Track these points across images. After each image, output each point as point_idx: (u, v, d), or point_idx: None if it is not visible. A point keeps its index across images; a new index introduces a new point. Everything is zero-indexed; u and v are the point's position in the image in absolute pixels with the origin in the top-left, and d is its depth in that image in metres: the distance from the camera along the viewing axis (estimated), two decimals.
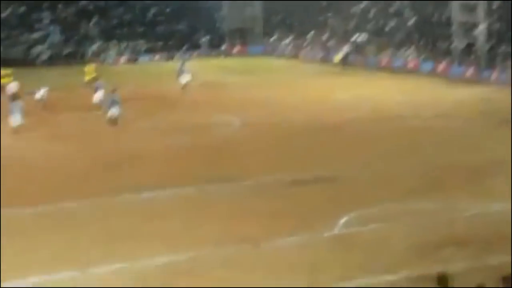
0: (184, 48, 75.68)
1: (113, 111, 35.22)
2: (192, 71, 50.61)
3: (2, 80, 50.14)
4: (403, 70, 57.02)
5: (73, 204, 23.53)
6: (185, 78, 49.33)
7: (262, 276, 17.25)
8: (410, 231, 20.04)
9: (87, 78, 50.46)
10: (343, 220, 20.95)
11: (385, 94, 45.37)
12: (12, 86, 42.57)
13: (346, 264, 17.81)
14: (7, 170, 27.73)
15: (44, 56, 74.54)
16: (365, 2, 72.22)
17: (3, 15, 78.09)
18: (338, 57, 62.22)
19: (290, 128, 35.47)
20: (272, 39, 77.95)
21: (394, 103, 41.76)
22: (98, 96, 40.27)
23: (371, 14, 69.65)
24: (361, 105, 41.41)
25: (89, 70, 52.51)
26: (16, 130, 35.00)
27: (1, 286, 16.59)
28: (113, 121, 35.13)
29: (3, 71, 51.55)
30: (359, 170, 26.88)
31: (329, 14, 75.02)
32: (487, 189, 23.44)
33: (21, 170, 28.65)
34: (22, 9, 79.66)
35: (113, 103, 35.24)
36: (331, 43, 69.50)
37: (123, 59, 74.19)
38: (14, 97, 38.08)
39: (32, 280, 17.42)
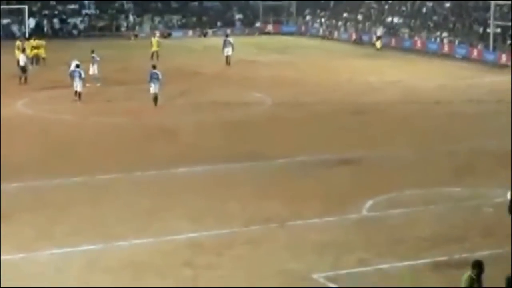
0: (218, 25, 75.66)
1: (154, 88, 35.26)
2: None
3: (36, 51, 50.63)
4: (437, 54, 56.67)
5: (105, 176, 23.76)
6: (227, 51, 51.10)
7: (287, 256, 17.31)
8: (437, 217, 19.96)
9: (153, 49, 52.49)
10: (369, 203, 20.93)
11: (418, 78, 45.13)
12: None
13: (370, 247, 17.77)
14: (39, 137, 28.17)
15: (79, 28, 74.92)
16: None
17: None
18: (378, 43, 61.37)
19: (320, 109, 35.43)
20: (306, 19, 77.67)
21: (427, 87, 41.54)
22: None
23: None
24: (393, 87, 41.28)
25: (154, 42, 53.70)
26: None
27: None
28: (154, 98, 35.27)
29: (38, 42, 51.90)
30: (388, 153, 26.80)
31: None
32: None
33: (58, 140, 29.13)
34: None
35: (153, 79, 35.21)
36: (365, 24, 69.12)
37: (156, 33, 74.19)
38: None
39: (55, 251, 17.64)
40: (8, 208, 20.19)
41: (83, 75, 37.50)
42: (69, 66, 40.36)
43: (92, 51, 43.05)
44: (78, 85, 37.03)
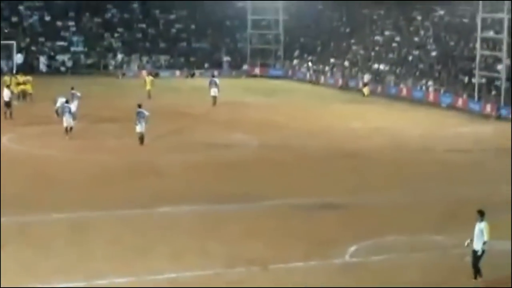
0: (205, 66, 76.06)
1: (140, 127, 35.30)
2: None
3: (23, 87, 50.72)
4: (423, 102, 57.02)
5: (89, 213, 23.72)
6: (214, 91, 51.86)
7: None
8: (420, 264, 19.97)
9: (147, 88, 54.28)
10: (353, 248, 20.92)
11: (403, 125, 45.38)
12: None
13: None
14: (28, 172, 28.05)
15: (67, 65, 75.09)
16: (389, 31, 72.40)
17: (30, 21, 78.80)
18: (366, 89, 61.91)
19: (306, 152, 35.56)
20: (293, 63, 78.11)
21: (412, 134, 41.75)
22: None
23: (394, 44, 69.69)
24: (378, 134, 41.47)
25: (148, 81, 55.48)
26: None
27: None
28: (140, 137, 35.32)
29: (24, 78, 52.07)
30: (373, 199, 26.84)
31: (352, 41, 75.11)
32: (495, 225, 23.28)
33: (44, 176, 29.07)
34: (48, 17, 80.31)
35: (140, 118, 35.26)
36: (352, 70, 69.56)
37: (144, 72, 74.49)
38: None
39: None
40: None
41: (72, 110, 37.54)
42: (55, 102, 40.50)
43: (72, 88, 43.22)
44: (68, 121, 37.00)
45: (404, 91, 60.91)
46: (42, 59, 74.62)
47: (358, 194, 27.37)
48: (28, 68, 68.89)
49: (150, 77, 57.10)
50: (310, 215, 24.41)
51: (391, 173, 31.64)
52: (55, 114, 40.81)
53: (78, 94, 42.69)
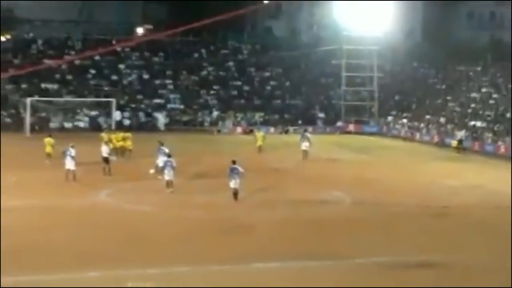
0: (299, 122, 76.53)
1: (234, 183, 35.73)
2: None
3: (123, 143, 51.98)
4: None
5: (180, 268, 23.99)
6: (305, 145, 52.83)
7: None
8: None
9: (258, 143, 56.35)
10: None
11: (498, 183, 44.49)
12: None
13: None
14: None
15: (164, 122, 76.74)
16: (486, 88, 71.56)
17: (129, 79, 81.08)
18: (454, 142, 61.50)
19: (398, 210, 35.26)
20: (388, 119, 77.86)
21: (507, 193, 40.91)
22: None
23: (491, 100, 68.82)
24: (472, 191, 40.80)
25: (259, 137, 57.05)
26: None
27: None
28: (234, 193, 35.75)
29: (124, 134, 53.43)
30: (467, 258, 26.38)
31: (448, 98, 74.49)
32: None
33: (138, 231, 29.72)
34: (146, 76, 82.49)
35: (234, 175, 35.68)
36: (447, 127, 68.89)
37: (238, 129, 75.49)
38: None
39: None
40: None
41: (174, 165, 38.27)
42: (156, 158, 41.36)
43: (161, 143, 43.89)
44: (169, 175, 37.82)
45: (502, 149, 59.92)
46: (140, 116, 76.49)
47: (451, 253, 26.92)
48: (125, 125, 70.77)
49: (261, 133, 58.01)
50: (402, 273, 24.10)
51: (485, 231, 31.01)
52: (154, 170, 41.67)
53: (166, 150, 43.31)
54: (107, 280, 22.42)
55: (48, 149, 48.20)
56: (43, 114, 73.03)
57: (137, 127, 71.98)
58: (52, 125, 70.95)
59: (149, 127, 74.91)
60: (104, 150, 44.59)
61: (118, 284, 22.20)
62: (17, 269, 23.30)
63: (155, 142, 44.93)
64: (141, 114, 77.20)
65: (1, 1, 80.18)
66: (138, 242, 27.73)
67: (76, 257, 24.87)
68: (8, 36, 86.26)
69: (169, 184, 37.81)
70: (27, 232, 28.78)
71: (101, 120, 73.74)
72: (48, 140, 49.15)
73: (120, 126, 67.65)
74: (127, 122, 73.83)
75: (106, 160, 44.04)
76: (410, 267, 24.87)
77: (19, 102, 73.44)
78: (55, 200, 35.45)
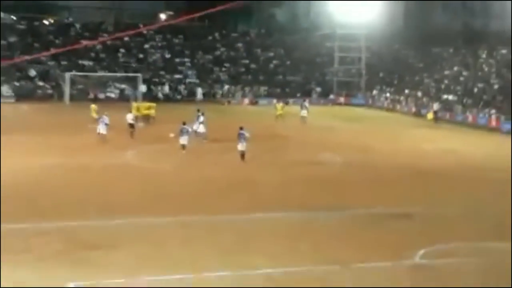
0: (298, 95, 76.10)
1: (241, 146, 35.41)
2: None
3: (147, 111, 51.77)
4: (486, 128, 55.55)
5: (192, 218, 23.73)
6: (304, 112, 54.16)
7: None
8: (481, 268, 19.25)
9: (278, 112, 55.04)
10: (421, 252, 20.35)
11: (469, 147, 44.20)
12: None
13: None
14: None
15: (183, 94, 76.36)
16: (457, 67, 71.06)
17: (153, 58, 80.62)
18: (430, 114, 61.07)
19: (384, 169, 34.92)
20: (373, 93, 77.42)
21: (476, 155, 40.62)
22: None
23: (461, 77, 68.37)
24: (447, 155, 40.49)
25: (279, 107, 55.91)
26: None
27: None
28: (242, 155, 35.40)
29: (149, 104, 53.38)
30: (440, 209, 26.11)
31: (425, 75, 73.95)
32: None
33: (158, 186, 29.41)
34: (168, 55, 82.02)
35: (241, 139, 35.37)
36: (424, 99, 68.43)
37: (246, 100, 75.26)
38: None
39: (154, 278, 17.57)
40: (112, 240, 20.46)
41: (189, 130, 38.00)
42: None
43: (198, 110, 43.43)
44: (184, 139, 37.52)
45: (470, 118, 59.49)
46: (163, 88, 76.06)
47: (428, 205, 26.65)
48: (150, 96, 70.46)
49: (281, 104, 57.40)
50: (387, 222, 23.89)
51: (458, 187, 30.76)
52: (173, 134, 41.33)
53: (202, 117, 42.81)
54: (130, 226, 22.17)
55: (93, 114, 48.29)
56: (80, 86, 72.68)
57: (159, 98, 71.61)
58: (88, 96, 70.58)
59: (170, 98, 74.45)
60: (129, 117, 44.28)
61: (139, 230, 21.92)
62: (55, 215, 23.09)
63: (175, 110, 44.56)
64: (163, 87, 76.76)
65: None
66: (156, 195, 27.46)
67: (102, 206, 24.62)
68: (51, 20, 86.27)
69: (183, 147, 37.45)
70: (62, 185, 28.61)
71: (128, 92, 73.29)
72: (93, 106, 50.29)
73: (145, 97, 67.47)
74: (150, 94, 73.31)
75: (131, 125, 43.73)
76: (391, 217, 24.56)
77: (59, 76, 73.08)
78: (88, 159, 35.16)
